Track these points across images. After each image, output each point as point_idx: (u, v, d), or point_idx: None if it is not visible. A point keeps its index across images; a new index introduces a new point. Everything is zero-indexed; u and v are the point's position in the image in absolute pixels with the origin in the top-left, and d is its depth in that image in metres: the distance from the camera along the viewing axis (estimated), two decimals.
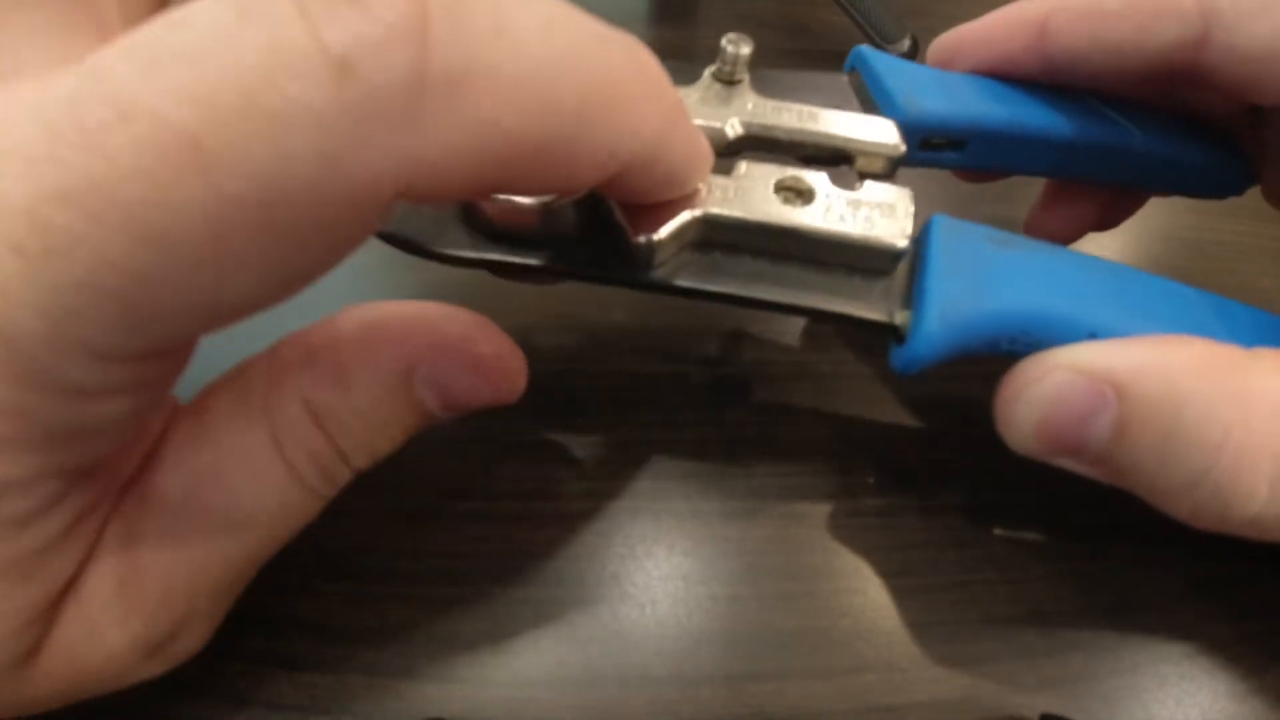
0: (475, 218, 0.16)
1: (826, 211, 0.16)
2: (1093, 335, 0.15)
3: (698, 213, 0.15)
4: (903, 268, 0.16)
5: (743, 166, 0.16)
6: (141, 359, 0.10)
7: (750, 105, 0.17)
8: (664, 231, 0.15)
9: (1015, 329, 0.15)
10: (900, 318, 0.16)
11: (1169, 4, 0.16)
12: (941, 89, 0.18)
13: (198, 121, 0.08)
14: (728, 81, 0.17)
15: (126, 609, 0.13)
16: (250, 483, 0.13)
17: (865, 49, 0.19)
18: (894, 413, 0.20)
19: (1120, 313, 0.15)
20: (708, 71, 0.18)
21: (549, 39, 0.10)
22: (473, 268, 0.16)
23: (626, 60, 0.11)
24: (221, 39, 0.09)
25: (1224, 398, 0.12)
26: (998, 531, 0.18)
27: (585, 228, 0.16)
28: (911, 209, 0.16)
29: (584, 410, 0.20)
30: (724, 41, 0.17)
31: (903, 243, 0.16)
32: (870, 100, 0.18)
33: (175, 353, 0.11)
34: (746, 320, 0.21)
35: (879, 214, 0.16)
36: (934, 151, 0.18)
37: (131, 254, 0.09)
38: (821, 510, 0.19)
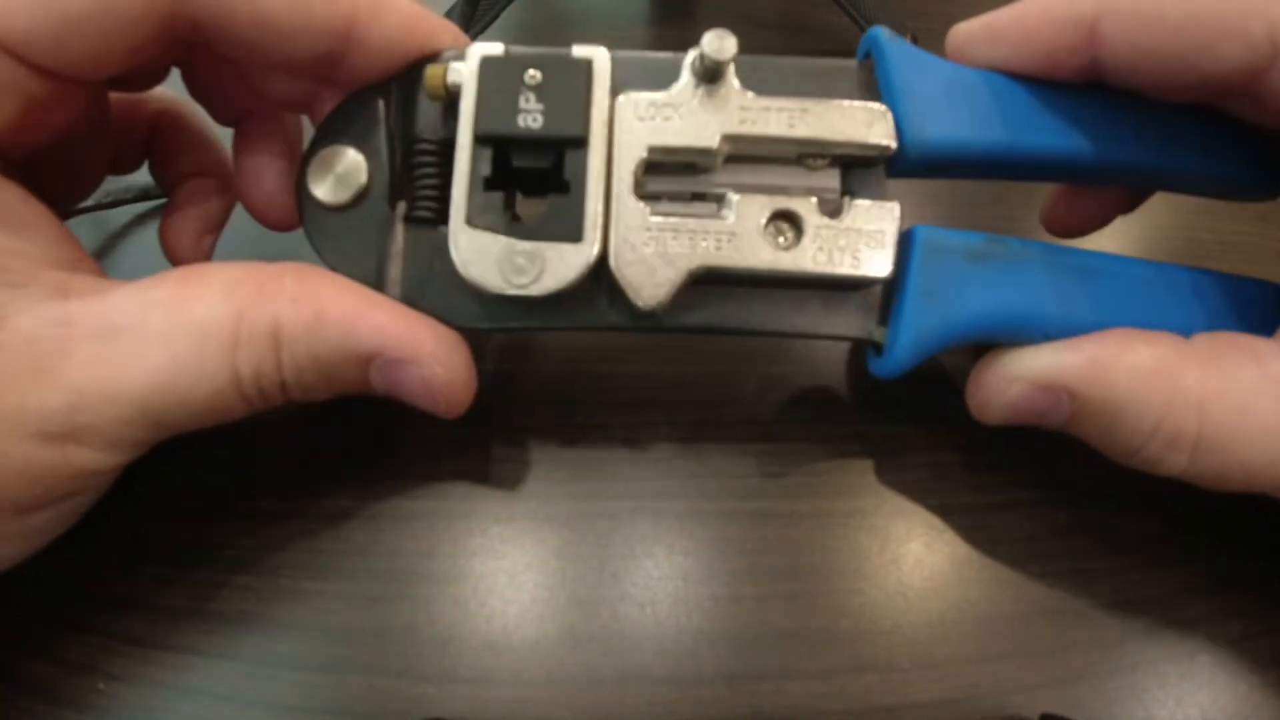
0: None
1: (816, 250, 0.16)
2: (1049, 337, 0.16)
3: (694, 266, 0.16)
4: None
5: (733, 203, 0.16)
6: None
7: (737, 109, 0.16)
8: (666, 295, 0.16)
9: (981, 336, 0.16)
10: (879, 334, 0.17)
11: (1236, 25, 0.15)
12: (959, 107, 0.16)
13: None
14: (711, 80, 0.16)
15: (34, 363, 0.14)
16: (195, 361, 0.14)
17: (882, 33, 0.17)
18: (894, 414, 0.20)
19: (1080, 311, 0.16)
20: (687, 62, 0.16)
21: None
22: (493, 333, 0.17)
23: None
24: None
25: (1156, 396, 0.15)
26: (997, 531, 0.18)
27: (590, 290, 0.16)
28: (896, 231, 0.16)
29: (584, 410, 0.20)
30: (705, 41, 0.15)
31: (886, 272, 0.16)
32: (879, 99, 0.17)
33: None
34: None
35: (866, 245, 0.16)
36: (941, 172, 0.17)
37: None
38: (821, 510, 0.19)
